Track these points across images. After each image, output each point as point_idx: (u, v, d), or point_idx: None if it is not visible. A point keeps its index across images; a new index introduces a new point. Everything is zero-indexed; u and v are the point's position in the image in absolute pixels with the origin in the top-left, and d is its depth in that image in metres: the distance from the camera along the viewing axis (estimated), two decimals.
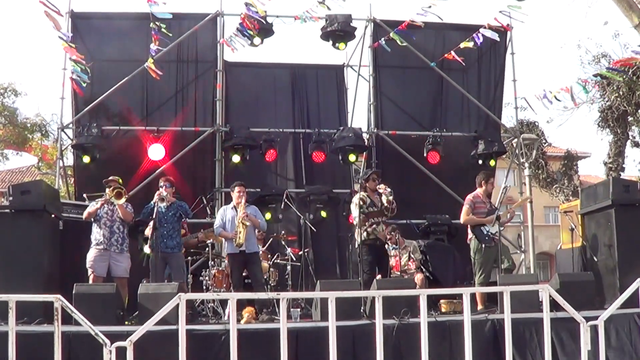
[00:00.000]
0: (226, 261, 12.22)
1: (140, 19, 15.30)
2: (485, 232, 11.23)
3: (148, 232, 11.62)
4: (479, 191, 11.63)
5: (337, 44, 16.05)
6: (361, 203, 11.50)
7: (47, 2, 13.70)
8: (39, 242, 10.25)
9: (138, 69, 14.81)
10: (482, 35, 15.67)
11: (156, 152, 14.82)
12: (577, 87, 16.13)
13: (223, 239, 12.11)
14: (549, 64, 72.25)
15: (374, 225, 11.52)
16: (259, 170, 15.90)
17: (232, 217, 11.58)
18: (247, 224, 11.34)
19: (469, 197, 11.63)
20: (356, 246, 11.82)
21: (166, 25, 14.58)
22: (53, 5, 13.77)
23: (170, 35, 14.78)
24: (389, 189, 11.45)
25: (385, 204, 11.45)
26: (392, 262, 13.16)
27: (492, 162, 16.06)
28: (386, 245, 12.12)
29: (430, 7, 15.40)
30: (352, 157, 15.58)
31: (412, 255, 13.09)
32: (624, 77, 20.83)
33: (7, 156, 30.47)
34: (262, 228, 12.17)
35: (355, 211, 11.55)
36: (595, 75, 17.79)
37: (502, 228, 11.42)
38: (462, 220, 11.64)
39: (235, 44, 15.00)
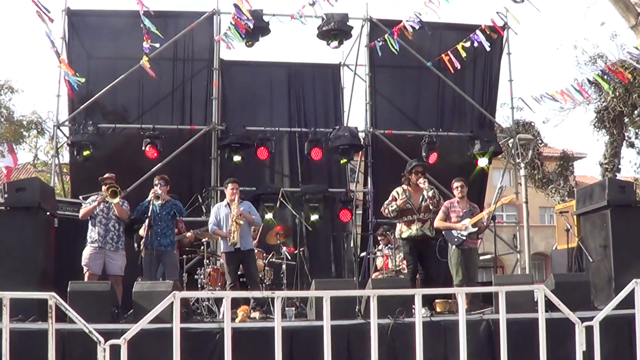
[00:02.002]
0: (222, 259, 12.22)
1: (136, 17, 15.29)
2: (455, 235, 11.37)
3: (143, 232, 11.65)
4: (456, 197, 11.74)
5: (330, 41, 16.05)
6: (391, 199, 11.48)
7: (39, 3, 13.70)
8: (33, 240, 10.22)
9: (134, 67, 14.81)
10: (479, 38, 15.72)
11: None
12: (573, 90, 16.17)
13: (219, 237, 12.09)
14: (545, 65, 72.35)
15: (405, 226, 11.39)
16: (255, 168, 15.89)
17: (226, 214, 11.58)
18: (241, 222, 11.34)
19: (445, 203, 11.72)
20: (351, 245, 11.83)
21: (157, 25, 14.58)
22: (45, 8, 13.78)
23: (162, 37, 14.77)
24: (427, 184, 11.29)
25: (427, 199, 11.21)
26: (381, 262, 13.22)
27: (482, 161, 16.06)
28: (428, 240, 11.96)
29: (420, 14, 15.44)
30: (342, 161, 15.62)
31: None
32: (611, 85, 20.80)
33: (3, 153, 30.41)
34: (257, 224, 12.16)
35: (391, 206, 11.47)
36: (591, 82, 17.83)
37: (474, 230, 11.42)
38: (434, 224, 11.63)
39: (230, 40, 14.99)
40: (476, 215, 11.50)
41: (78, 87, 14.50)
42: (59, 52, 14.68)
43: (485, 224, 11.65)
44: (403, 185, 11.58)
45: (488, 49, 16.01)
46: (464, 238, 11.32)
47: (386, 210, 11.52)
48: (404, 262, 12.72)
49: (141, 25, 14.52)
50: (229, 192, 11.64)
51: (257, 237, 13.15)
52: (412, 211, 11.34)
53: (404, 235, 11.38)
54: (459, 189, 11.66)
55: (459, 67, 15.83)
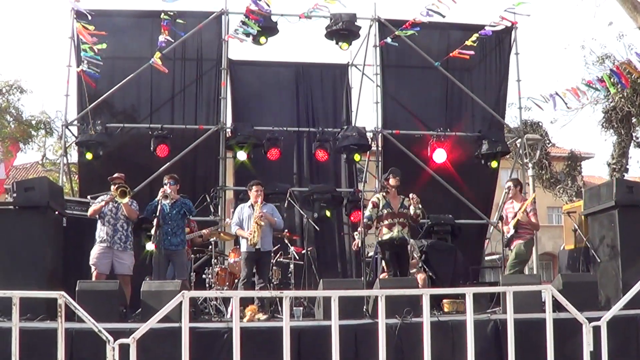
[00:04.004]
0: (230, 259, 12.29)
1: (144, 17, 15.42)
2: (505, 235, 12.02)
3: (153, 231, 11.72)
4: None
5: (340, 44, 16.08)
6: (371, 206, 11.72)
7: None
8: (42, 239, 10.25)
9: (144, 66, 14.86)
10: (491, 30, 15.74)
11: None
12: (584, 87, 16.19)
13: (230, 236, 12.14)
14: (553, 65, 72.15)
15: (385, 229, 11.62)
16: (263, 168, 15.89)
17: (249, 215, 11.68)
18: (262, 224, 11.41)
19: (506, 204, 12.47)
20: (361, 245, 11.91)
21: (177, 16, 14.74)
22: None
23: (184, 22, 14.88)
24: (416, 198, 11.64)
25: (412, 215, 11.63)
26: None
27: (493, 164, 16.06)
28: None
29: (433, 4, 15.43)
30: (356, 157, 15.59)
31: (413, 255, 13.08)
32: (616, 89, 20.74)
33: (12, 153, 30.42)
34: (279, 227, 12.17)
35: (366, 212, 11.78)
36: (599, 80, 17.81)
37: (512, 232, 11.72)
38: None
39: (239, 35, 15.08)
40: (514, 218, 11.92)
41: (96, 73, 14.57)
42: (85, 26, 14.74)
43: (533, 221, 12.03)
44: (382, 192, 11.88)
45: (508, 25, 16.09)
46: (509, 237, 11.94)
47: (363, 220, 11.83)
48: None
49: (162, 15, 14.63)
50: (254, 194, 11.75)
51: None
52: (393, 215, 11.63)
53: (385, 237, 11.63)
54: (510, 187, 12.30)
55: (470, 58, 15.84)
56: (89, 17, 14.83)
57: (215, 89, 16.02)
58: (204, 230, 12.83)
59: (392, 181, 11.77)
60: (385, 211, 11.59)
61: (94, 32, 14.45)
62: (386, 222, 11.61)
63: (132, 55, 15.40)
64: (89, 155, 14.67)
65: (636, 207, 11.04)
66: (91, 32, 14.43)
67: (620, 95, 24.15)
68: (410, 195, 11.67)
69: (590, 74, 24.45)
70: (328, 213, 15.34)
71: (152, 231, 11.71)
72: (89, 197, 12.15)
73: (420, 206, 11.67)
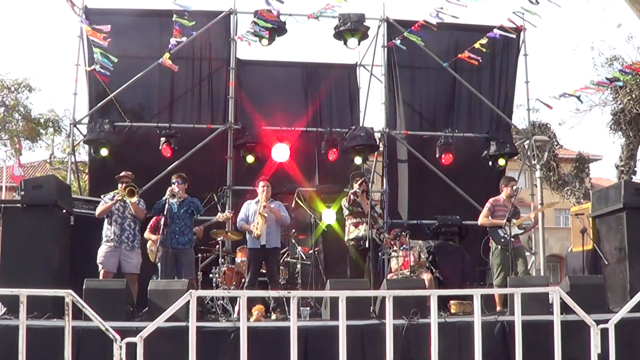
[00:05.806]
0: (239, 258, 12.29)
1: (154, 16, 15.47)
2: (501, 234, 11.42)
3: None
4: (502, 195, 11.82)
5: (347, 40, 15.96)
6: (345, 203, 12.20)
7: None
8: (49, 237, 10.27)
9: (152, 65, 14.88)
10: (499, 34, 15.71)
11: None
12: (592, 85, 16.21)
13: (237, 236, 12.17)
14: (561, 66, 72.06)
15: (352, 227, 12.10)
16: (271, 168, 15.87)
17: (255, 211, 11.65)
18: (265, 215, 11.38)
19: (490, 200, 11.88)
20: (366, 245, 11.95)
21: (187, 17, 14.75)
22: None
23: (195, 23, 14.89)
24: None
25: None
26: (395, 263, 13.19)
27: (500, 161, 15.99)
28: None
29: (442, 8, 15.39)
30: (358, 159, 15.57)
31: (421, 256, 13.06)
32: (634, 79, 20.69)
33: (20, 151, 30.51)
34: (285, 222, 12.10)
35: (344, 210, 12.27)
36: (609, 80, 17.75)
37: (521, 232, 11.55)
38: (479, 222, 11.88)
39: (250, 37, 15.08)
40: (522, 217, 11.69)
41: (106, 71, 14.57)
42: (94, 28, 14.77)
43: (532, 224, 12.08)
44: (351, 191, 12.23)
45: (513, 36, 16.01)
46: (510, 237, 11.40)
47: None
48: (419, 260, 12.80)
49: (173, 18, 14.64)
50: (260, 190, 11.74)
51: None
52: (363, 214, 11.94)
53: (352, 235, 12.07)
54: (512, 185, 11.85)
55: (479, 62, 15.79)
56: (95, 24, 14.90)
57: (223, 88, 16.03)
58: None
59: (355, 186, 12.11)
60: (354, 209, 12.08)
61: (103, 32, 14.47)
62: (354, 220, 12.07)
63: (139, 54, 15.41)
64: (98, 154, 14.70)
65: None
66: (101, 32, 14.46)
67: (629, 97, 24.14)
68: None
69: (598, 75, 24.48)
70: (333, 213, 15.30)
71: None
72: (102, 196, 12.15)
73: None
